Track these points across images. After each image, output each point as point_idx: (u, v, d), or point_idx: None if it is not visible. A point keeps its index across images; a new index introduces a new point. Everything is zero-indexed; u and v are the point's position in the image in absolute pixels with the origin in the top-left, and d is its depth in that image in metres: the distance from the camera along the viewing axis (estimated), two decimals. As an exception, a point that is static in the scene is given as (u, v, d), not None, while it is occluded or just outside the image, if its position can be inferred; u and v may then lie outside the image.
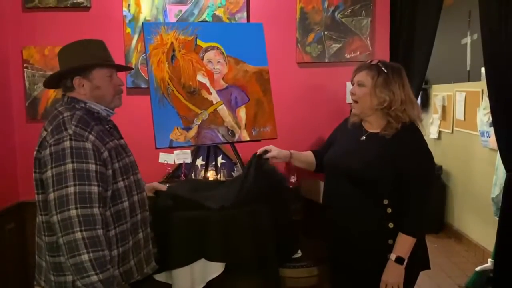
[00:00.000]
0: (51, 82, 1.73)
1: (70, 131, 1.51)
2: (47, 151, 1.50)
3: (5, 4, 2.81)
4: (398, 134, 1.82)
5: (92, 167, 1.50)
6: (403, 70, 1.92)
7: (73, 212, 1.44)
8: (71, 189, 1.46)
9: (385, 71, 1.85)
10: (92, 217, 1.46)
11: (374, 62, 1.89)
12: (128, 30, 2.85)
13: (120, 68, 1.82)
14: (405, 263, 1.78)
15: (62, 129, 1.52)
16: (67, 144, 1.49)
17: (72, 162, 1.48)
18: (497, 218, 2.89)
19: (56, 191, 1.46)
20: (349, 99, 2.47)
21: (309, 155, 2.19)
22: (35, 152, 1.57)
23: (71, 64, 1.64)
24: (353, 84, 1.94)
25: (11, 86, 2.85)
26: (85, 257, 1.43)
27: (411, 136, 1.83)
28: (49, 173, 1.49)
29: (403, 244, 1.78)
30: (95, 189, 1.49)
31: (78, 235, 1.43)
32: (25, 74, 2.83)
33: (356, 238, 1.85)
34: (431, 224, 4.71)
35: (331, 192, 1.98)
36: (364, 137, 1.90)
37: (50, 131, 1.55)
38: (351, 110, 2.01)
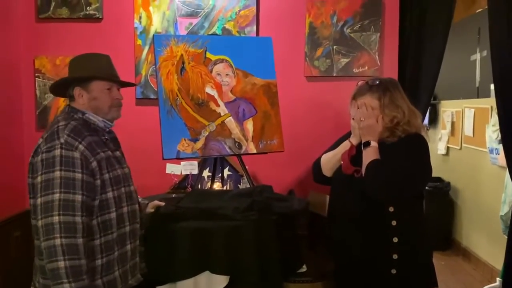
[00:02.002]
0: (57, 89, 1.81)
1: (62, 140, 1.57)
2: (39, 157, 1.57)
3: (19, 15, 2.86)
4: (399, 141, 1.81)
5: (78, 176, 1.55)
6: (397, 81, 1.93)
7: (56, 219, 1.49)
8: (56, 196, 1.51)
9: (388, 88, 1.84)
10: (73, 225, 1.50)
11: (375, 83, 1.87)
12: (139, 41, 2.89)
13: (122, 84, 1.86)
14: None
15: (55, 138, 1.59)
16: (57, 152, 1.55)
17: (60, 170, 1.53)
18: (506, 236, 2.85)
19: (43, 197, 1.52)
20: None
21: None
22: (30, 158, 1.64)
23: (73, 74, 1.73)
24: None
25: (22, 95, 2.90)
26: (60, 264, 1.47)
27: (411, 142, 1.81)
28: (38, 179, 1.55)
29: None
30: (79, 197, 1.54)
31: (57, 241, 1.48)
32: (36, 83, 2.88)
33: (360, 253, 1.83)
34: (438, 241, 4.66)
35: (336, 206, 1.97)
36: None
37: (44, 138, 1.62)
38: None
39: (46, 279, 1.60)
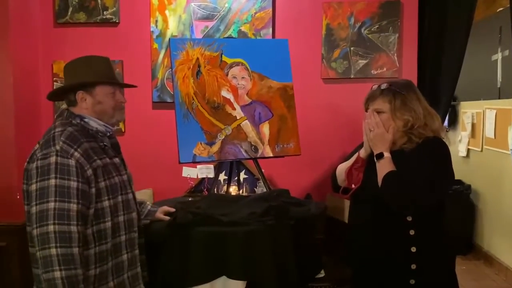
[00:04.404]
0: (55, 95, 1.79)
1: (58, 147, 1.53)
2: (34, 164, 1.54)
3: (38, 20, 2.90)
4: (418, 147, 1.76)
5: (74, 184, 1.51)
6: (413, 83, 1.88)
7: (51, 228, 1.46)
8: (51, 205, 1.48)
9: (400, 92, 1.79)
10: (68, 235, 1.47)
11: (385, 87, 1.81)
12: (155, 45, 2.90)
13: (124, 85, 1.85)
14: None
15: (51, 144, 1.55)
16: (52, 159, 1.51)
17: (55, 178, 1.50)
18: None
19: (38, 205, 1.49)
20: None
21: None
22: (25, 164, 1.61)
23: (76, 79, 1.68)
24: None
25: (40, 99, 2.93)
26: (57, 274, 1.44)
27: (432, 148, 1.75)
28: (33, 186, 1.51)
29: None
30: (74, 206, 1.50)
31: (53, 251, 1.45)
32: (54, 87, 2.90)
33: (378, 262, 1.79)
34: (459, 245, 4.57)
35: (355, 215, 1.92)
36: None
37: (40, 145, 1.58)
38: None
39: None
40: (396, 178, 1.69)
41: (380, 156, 1.75)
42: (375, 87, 1.86)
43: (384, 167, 1.73)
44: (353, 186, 1.84)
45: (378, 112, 1.80)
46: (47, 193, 1.49)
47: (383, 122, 1.78)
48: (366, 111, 1.86)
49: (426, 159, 1.71)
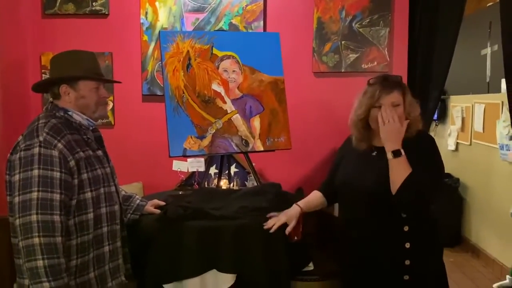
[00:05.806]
0: (40, 87, 1.80)
1: (41, 138, 1.56)
2: (18, 155, 1.56)
3: (26, 11, 2.85)
4: (410, 142, 1.75)
5: (57, 174, 1.54)
6: None
7: (34, 217, 1.48)
8: (34, 195, 1.50)
9: (405, 84, 1.81)
10: (51, 224, 1.49)
11: (397, 79, 1.81)
12: (145, 37, 2.87)
13: (107, 81, 1.87)
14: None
15: (34, 136, 1.57)
16: (36, 150, 1.54)
17: (39, 168, 1.52)
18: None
19: (20, 195, 1.51)
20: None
21: (317, 197, 2.06)
22: (8, 155, 1.62)
23: (61, 73, 1.69)
24: (379, 106, 1.77)
25: (29, 91, 2.87)
26: (39, 263, 1.46)
27: (424, 144, 1.77)
28: (16, 177, 1.53)
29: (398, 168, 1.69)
30: (57, 196, 1.52)
31: (36, 240, 1.47)
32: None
33: (372, 259, 1.79)
34: (447, 237, 4.62)
35: (347, 213, 1.92)
36: (375, 153, 1.83)
37: (23, 136, 1.61)
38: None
39: (20, 278, 1.60)
40: (415, 184, 1.67)
41: (398, 153, 1.70)
42: (372, 80, 1.82)
43: (402, 166, 1.69)
44: (295, 238, 1.95)
45: (395, 106, 1.75)
46: (30, 183, 1.50)
47: (400, 116, 1.74)
48: (374, 104, 1.78)
49: (426, 159, 1.73)
